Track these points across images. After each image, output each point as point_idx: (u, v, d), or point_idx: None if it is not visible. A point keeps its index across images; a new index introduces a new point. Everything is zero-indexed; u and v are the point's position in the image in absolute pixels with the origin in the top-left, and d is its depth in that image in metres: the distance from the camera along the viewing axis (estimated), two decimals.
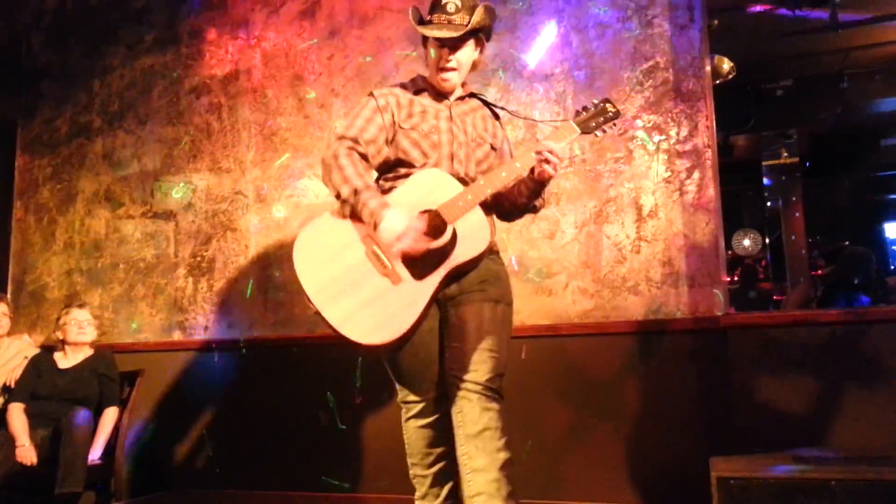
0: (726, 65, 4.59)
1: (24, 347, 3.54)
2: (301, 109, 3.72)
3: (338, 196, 1.99)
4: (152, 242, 3.92)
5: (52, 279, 4.11)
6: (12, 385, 3.29)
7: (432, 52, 2.11)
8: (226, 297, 3.73)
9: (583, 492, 2.42)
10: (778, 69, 5.52)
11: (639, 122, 3.13)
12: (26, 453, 3.02)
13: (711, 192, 2.99)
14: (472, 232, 1.96)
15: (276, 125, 3.76)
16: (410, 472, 2.15)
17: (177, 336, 3.79)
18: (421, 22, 2.11)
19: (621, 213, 3.09)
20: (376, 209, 1.90)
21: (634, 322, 2.99)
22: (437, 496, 2.11)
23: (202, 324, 3.75)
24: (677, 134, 3.07)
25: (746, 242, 7.71)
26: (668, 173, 3.06)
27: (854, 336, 2.74)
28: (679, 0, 3.13)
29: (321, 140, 3.66)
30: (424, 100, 2.15)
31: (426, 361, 2.04)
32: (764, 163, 7.33)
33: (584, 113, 2.13)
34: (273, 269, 3.65)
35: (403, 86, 2.19)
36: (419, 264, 1.92)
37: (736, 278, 7.15)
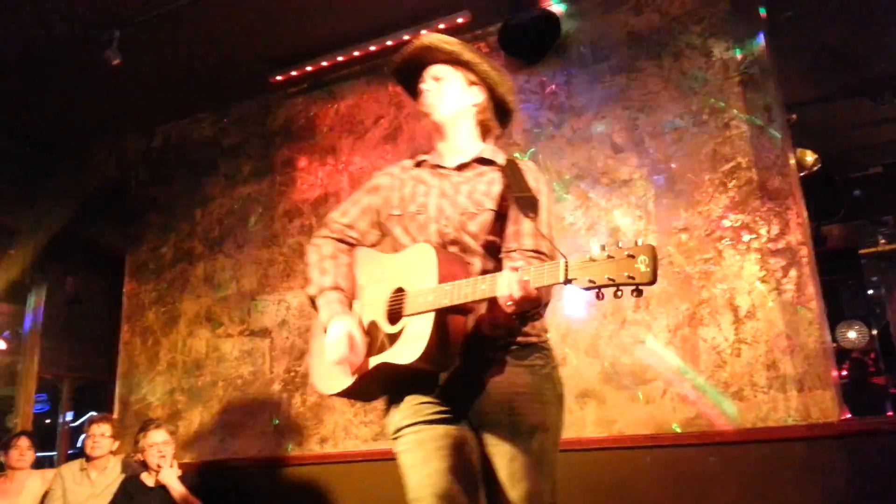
0: (810, 157, 4.51)
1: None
2: None
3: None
4: (249, 359, 4.06)
5: (156, 398, 4.28)
6: None
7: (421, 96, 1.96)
8: (319, 411, 3.78)
9: None
10: (865, 156, 5.38)
11: (726, 223, 3.09)
12: None
13: (811, 289, 2.89)
14: (412, 339, 1.69)
15: None
16: None
17: (273, 451, 3.83)
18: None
19: (717, 315, 3.01)
20: (326, 320, 1.81)
21: (743, 430, 2.83)
22: None
23: (297, 439, 3.79)
24: (768, 232, 3.00)
25: (852, 335, 7.24)
26: (763, 272, 2.97)
27: None
28: (755, 100, 3.15)
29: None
30: (423, 173, 1.95)
31: (440, 469, 1.72)
32: (861, 251, 7.01)
33: (595, 258, 1.47)
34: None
35: (404, 164, 2.03)
36: (371, 340, 1.78)
37: (844, 373, 6.69)
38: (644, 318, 3.12)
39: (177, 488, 3.34)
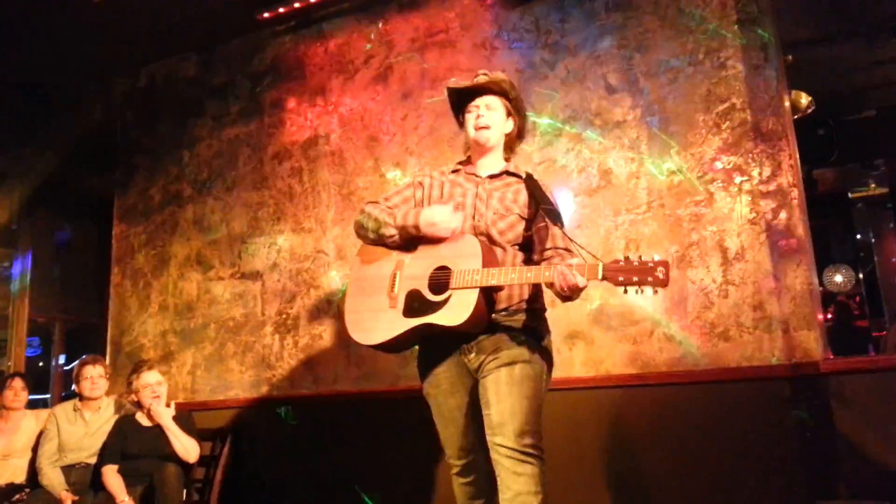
0: (804, 99, 4.47)
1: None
2: (377, 169, 3.84)
3: (379, 237, 2.34)
4: (240, 302, 4.08)
5: (148, 340, 4.31)
6: None
7: (468, 119, 2.40)
8: (310, 352, 3.82)
9: None
10: (859, 100, 5.33)
11: (718, 164, 3.08)
12: None
13: (801, 231, 2.90)
14: (458, 306, 2.15)
15: (353, 185, 3.88)
16: None
17: (265, 391, 3.89)
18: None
19: (706, 257, 3.02)
20: (415, 213, 2.29)
21: (727, 369, 2.88)
22: None
23: (289, 379, 3.84)
24: (760, 174, 3.00)
25: (838, 278, 7.34)
26: (753, 214, 2.98)
27: None
28: (751, 40, 3.10)
29: None
30: (459, 178, 2.42)
31: (455, 433, 2.30)
32: (851, 195, 7.03)
33: (625, 264, 1.98)
34: None
35: (443, 170, 2.50)
36: (414, 304, 2.22)
37: (829, 316, 6.80)
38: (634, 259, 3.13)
39: (171, 427, 3.39)
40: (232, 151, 4.30)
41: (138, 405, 3.53)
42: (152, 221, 4.48)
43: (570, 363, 3.16)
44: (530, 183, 2.34)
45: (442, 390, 2.28)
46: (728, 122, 3.09)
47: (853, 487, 2.60)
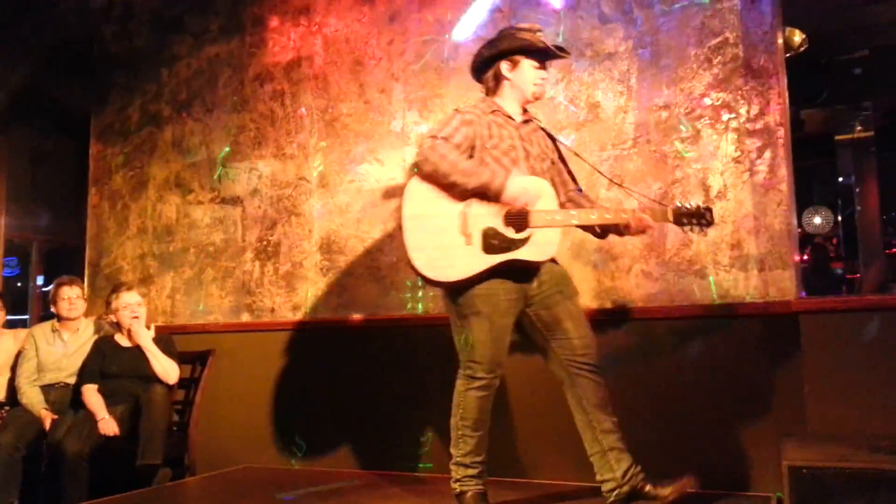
0: (798, 37, 4.39)
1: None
2: (362, 95, 3.75)
3: (452, 184, 2.35)
4: (221, 227, 4.04)
5: (127, 263, 4.28)
6: None
7: (530, 71, 2.51)
8: (291, 279, 3.82)
9: (649, 473, 2.42)
10: (853, 40, 5.25)
11: (707, 101, 3.04)
12: (108, 425, 3.18)
13: (783, 171, 2.90)
14: (543, 243, 2.38)
15: (337, 111, 3.80)
16: (458, 432, 2.48)
17: (245, 318, 3.91)
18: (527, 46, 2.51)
19: (688, 195, 3.02)
20: (501, 179, 2.36)
21: (701, 306, 2.93)
22: (479, 455, 2.49)
23: (269, 306, 3.86)
24: (748, 112, 2.97)
25: (817, 220, 7.43)
26: (738, 153, 2.97)
27: None
28: None
29: (381, 125, 3.68)
30: (498, 119, 2.49)
31: (498, 351, 2.44)
32: (836, 137, 7.02)
33: (685, 209, 2.41)
34: (336, 252, 3.71)
35: (482, 108, 2.52)
36: (493, 241, 2.35)
37: (806, 257, 6.90)
38: (616, 195, 3.13)
39: (151, 349, 3.41)
40: (212, 71, 4.17)
41: (117, 326, 3.53)
42: (130, 142, 4.38)
43: None
44: (543, 127, 2.60)
45: (500, 310, 2.40)
46: (720, 58, 3.04)
47: (819, 425, 2.68)
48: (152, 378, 3.35)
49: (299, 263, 3.81)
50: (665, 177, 3.08)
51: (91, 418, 3.23)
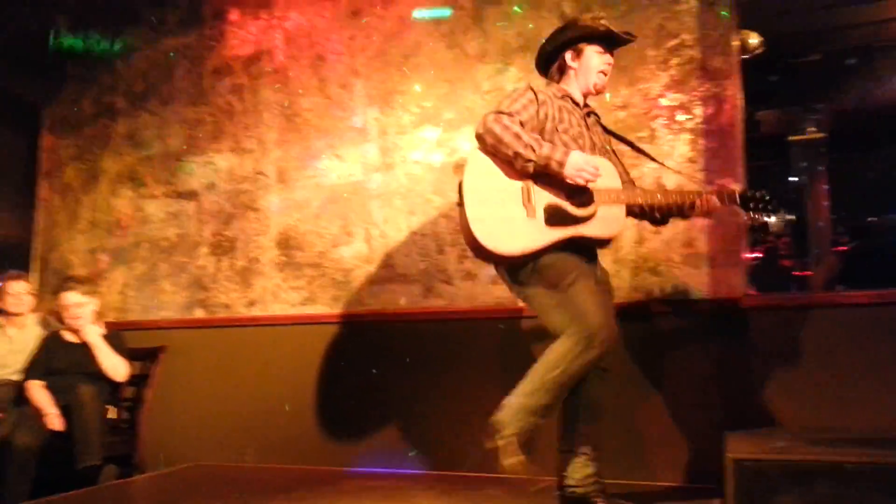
0: (754, 39, 4.46)
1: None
2: (323, 90, 3.71)
3: (515, 155, 2.26)
4: (175, 222, 3.96)
5: (77, 257, 4.17)
6: None
7: (594, 58, 2.47)
8: (247, 275, 3.77)
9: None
10: (807, 43, 5.38)
11: (663, 101, 3.08)
12: (55, 420, 3.10)
13: (738, 172, 2.95)
14: (609, 220, 2.36)
15: (297, 106, 3.76)
16: (546, 385, 2.23)
17: (198, 314, 3.84)
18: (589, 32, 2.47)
19: None
20: (562, 153, 2.27)
21: (653, 301, 2.97)
22: (548, 413, 2.29)
23: (223, 302, 3.80)
24: (703, 113, 3.02)
25: (770, 219, 7.58)
26: (693, 153, 3.01)
27: (878, 318, 2.71)
28: None
29: (342, 120, 3.65)
30: (567, 104, 2.46)
31: (609, 312, 2.33)
32: (790, 138, 7.19)
33: (751, 195, 2.41)
34: (293, 248, 3.67)
35: (553, 90, 2.48)
36: (557, 216, 2.29)
37: (757, 255, 7.03)
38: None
39: (98, 345, 3.34)
40: (169, 64, 4.09)
41: (62, 321, 3.46)
42: (83, 135, 4.27)
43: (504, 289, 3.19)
44: (600, 122, 2.62)
45: (595, 279, 2.36)
46: (677, 59, 3.09)
47: (762, 420, 2.74)
48: (98, 375, 3.28)
49: (256, 259, 3.76)
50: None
51: (37, 415, 3.14)
